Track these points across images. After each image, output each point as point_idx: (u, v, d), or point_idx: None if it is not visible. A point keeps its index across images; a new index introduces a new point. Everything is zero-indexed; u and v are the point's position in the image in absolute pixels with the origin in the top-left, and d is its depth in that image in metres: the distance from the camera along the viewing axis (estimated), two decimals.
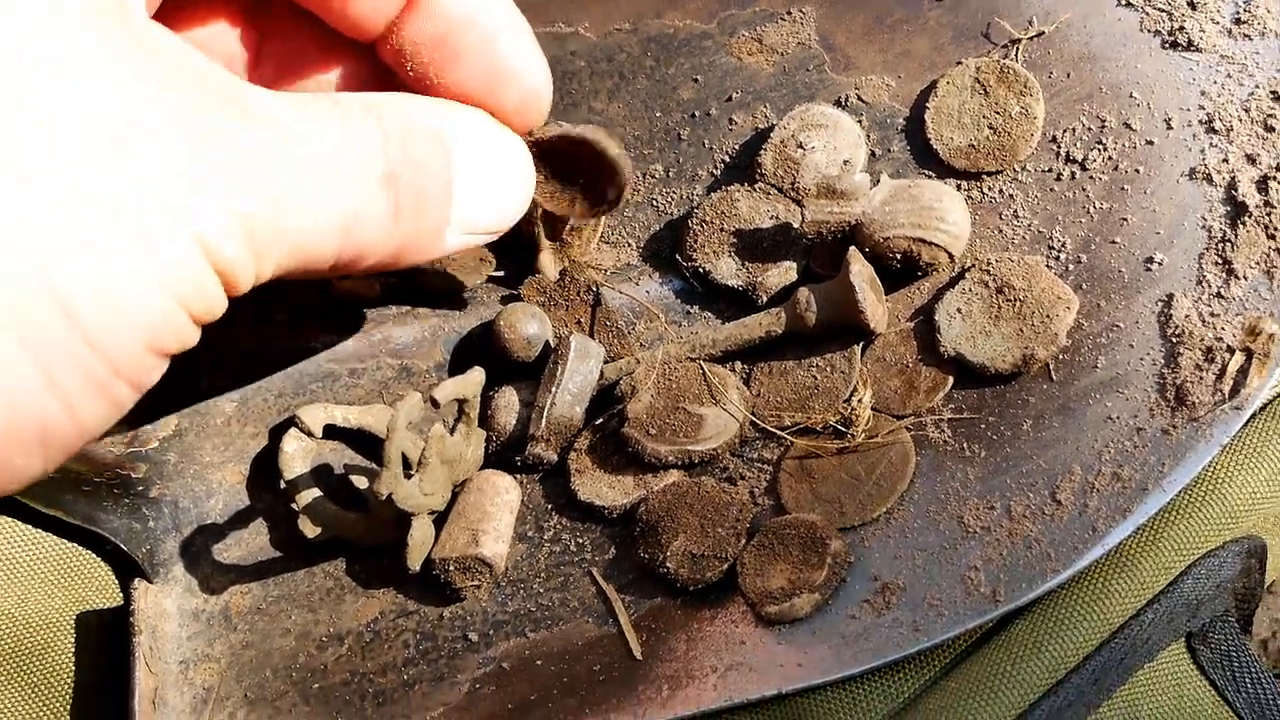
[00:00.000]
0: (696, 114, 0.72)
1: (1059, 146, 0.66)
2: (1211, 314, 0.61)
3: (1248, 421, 0.64)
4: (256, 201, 0.45)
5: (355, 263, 0.52)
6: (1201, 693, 0.62)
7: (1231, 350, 0.60)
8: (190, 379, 0.66)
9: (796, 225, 0.67)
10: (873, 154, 0.69)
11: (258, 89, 0.48)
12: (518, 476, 0.68)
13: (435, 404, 0.61)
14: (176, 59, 0.45)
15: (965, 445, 0.62)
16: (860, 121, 0.69)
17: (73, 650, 0.65)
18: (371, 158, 0.51)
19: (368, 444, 0.68)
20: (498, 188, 0.58)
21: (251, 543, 0.68)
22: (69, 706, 0.65)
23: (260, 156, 0.46)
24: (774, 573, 0.61)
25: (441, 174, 0.54)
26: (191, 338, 0.45)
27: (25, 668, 0.64)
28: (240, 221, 0.45)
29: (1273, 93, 0.63)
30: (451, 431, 0.65)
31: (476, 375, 0.64)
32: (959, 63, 0.68)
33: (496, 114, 0.59)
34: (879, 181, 0.66)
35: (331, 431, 0.67)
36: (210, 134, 0.45)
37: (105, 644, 0.66)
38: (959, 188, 0.67)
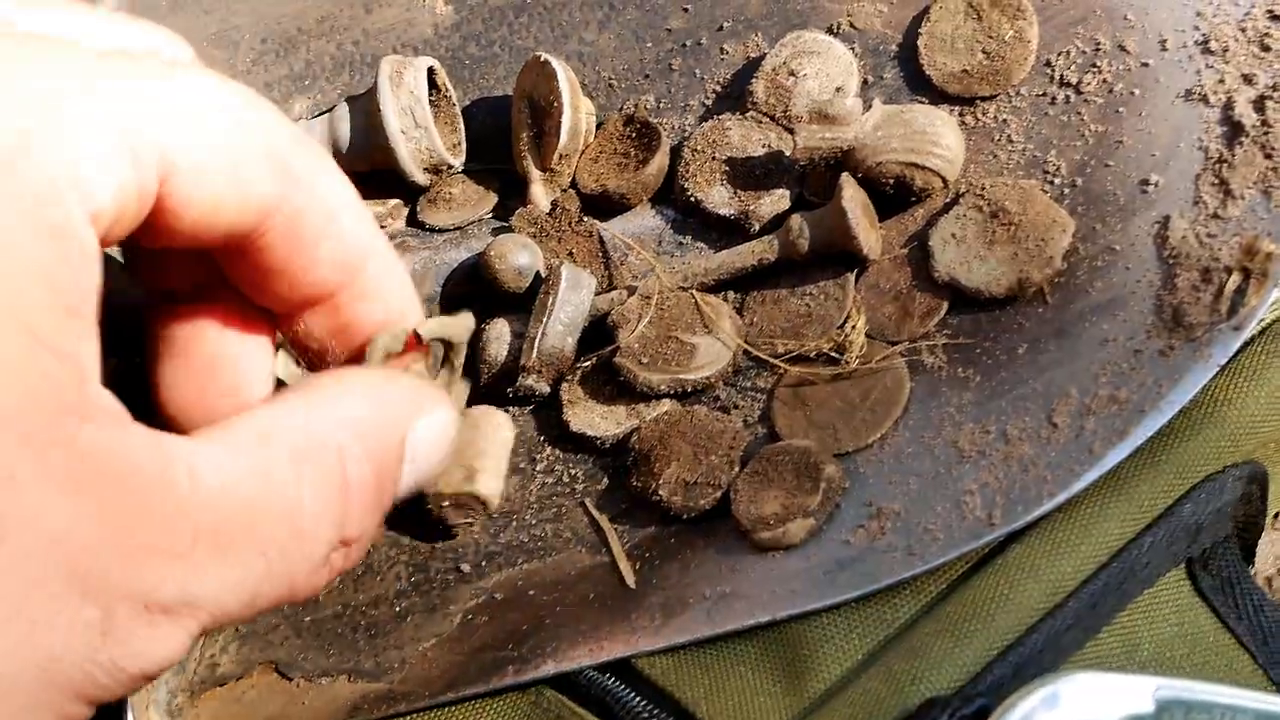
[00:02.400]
0: (687, 44, 0.71)
1: (1053, 70, 0.66)
2: (1209, 235, 0.60)
3: (1246, 345, 0.63)
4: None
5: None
6: (1203, 619, 0.61)
7: (1229, 270, 0.59)
8: None
9: (789, 153, 0.67)
10: (865, 81, 0.69)
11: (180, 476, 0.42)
12: (509, 409, 0.67)
13: (418, 339, 0.60)
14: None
15: (960, 370, 0.62)
16: (853, 48, 0.69)
17: None
18: (320, 532, 0.45)
19: None
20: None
21: None
22: None
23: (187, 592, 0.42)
24: (767, 499, 0.60)
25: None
26: None
27: None
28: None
29: (1269, 12, 0.63)
30: (436, 375, 0.64)
31: (465, 320, 0.62)
32: None
33: None
34: (871, 107, 0.65)
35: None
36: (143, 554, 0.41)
37: None
38: (953, 113, 0.66)
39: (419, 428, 0.49)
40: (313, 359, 0.53)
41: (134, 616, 0.40)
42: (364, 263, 0.49)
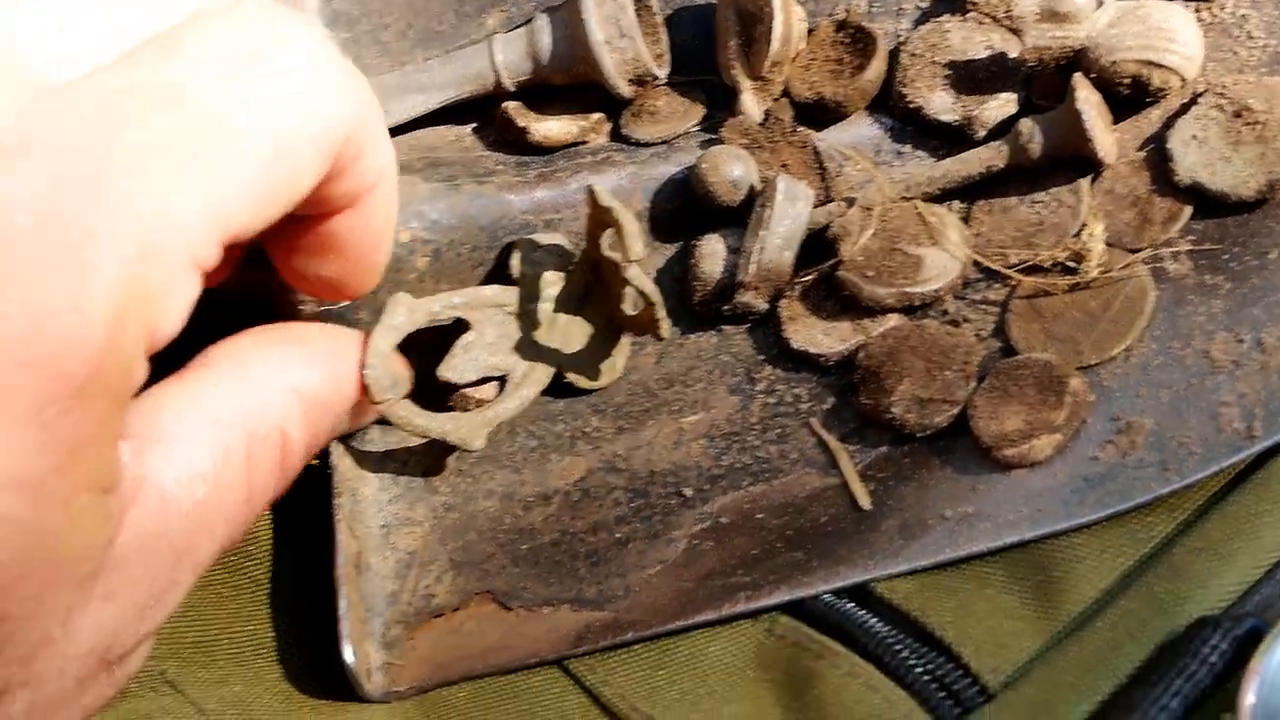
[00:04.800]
0: None
1: None
2: None
3: None
4: None
5: None
6: None
7: None
8: None
9: (1014, 55, 0.64)
10: None
11: None
12: (723, 327, 0.65)
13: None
14: None
15: (1208, 277, 0.59)
16: None
17: (270, 516, 0.63)
18: (258, 509, 0.50)
19: None
20: None
21: None
22: (268, 573, 0.63)
23: None
24: (1009, 415, 0.57)
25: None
26: None
27: None
28: None
29: None
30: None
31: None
32: None
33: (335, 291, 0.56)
34: (1103, 4, 0.62)
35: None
36: None
37: (304, 509, 0.64)
38: (1189, 8, 0.63)
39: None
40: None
41: (130, 657, 0.45)
42: (373, 187, 0.50)
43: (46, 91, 0.40)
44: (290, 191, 0.45)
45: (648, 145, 0.68)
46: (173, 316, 0.41)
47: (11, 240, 0.37)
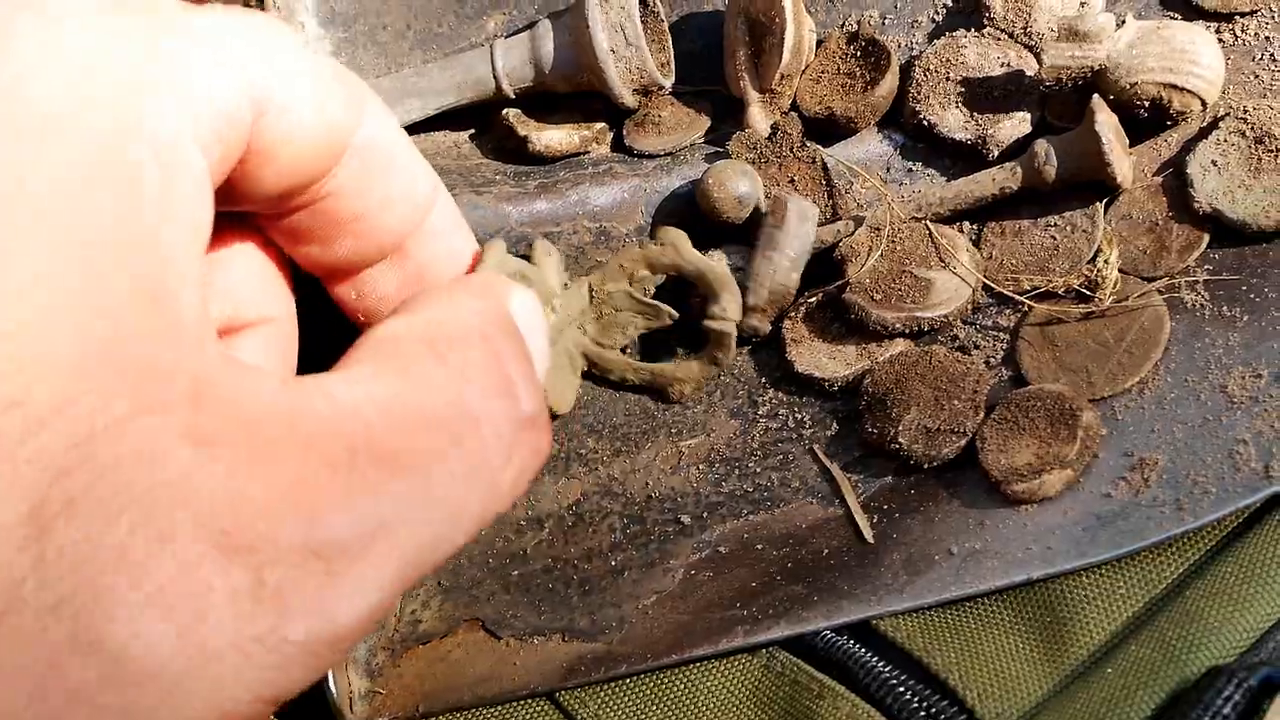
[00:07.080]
0: None
1: None
2: None
3: None
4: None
5: None
6: None
7: None
8: None
9: (1030, 73, 0.62)
10: None
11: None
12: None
13: None
14: None
15: (1225, 309, 0.57)
16: None
17: None
18: (496, 417, 0.41)
19: None
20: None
21: None
22: None
23: None
24: (1019, 448, 0.56)
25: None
26: None
27: None
28: None
29: None
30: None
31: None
32: None
33: None
34: (1124, 23, 0.60)
35: None
36: None
37: None
38: (1209, 29, 0.61)
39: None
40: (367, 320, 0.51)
41: (297, 570, 0.35)
42: (433, 199, 0.48)
43: None
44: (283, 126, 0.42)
45: (651, 157, 0.66)
46: (188, 158, 0.38)
47: None
